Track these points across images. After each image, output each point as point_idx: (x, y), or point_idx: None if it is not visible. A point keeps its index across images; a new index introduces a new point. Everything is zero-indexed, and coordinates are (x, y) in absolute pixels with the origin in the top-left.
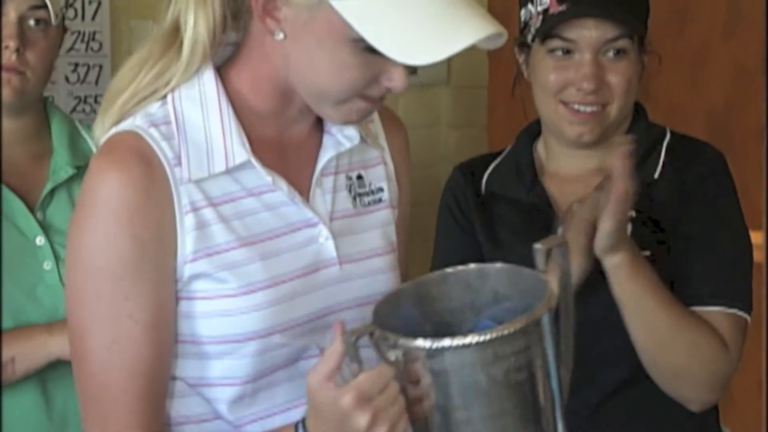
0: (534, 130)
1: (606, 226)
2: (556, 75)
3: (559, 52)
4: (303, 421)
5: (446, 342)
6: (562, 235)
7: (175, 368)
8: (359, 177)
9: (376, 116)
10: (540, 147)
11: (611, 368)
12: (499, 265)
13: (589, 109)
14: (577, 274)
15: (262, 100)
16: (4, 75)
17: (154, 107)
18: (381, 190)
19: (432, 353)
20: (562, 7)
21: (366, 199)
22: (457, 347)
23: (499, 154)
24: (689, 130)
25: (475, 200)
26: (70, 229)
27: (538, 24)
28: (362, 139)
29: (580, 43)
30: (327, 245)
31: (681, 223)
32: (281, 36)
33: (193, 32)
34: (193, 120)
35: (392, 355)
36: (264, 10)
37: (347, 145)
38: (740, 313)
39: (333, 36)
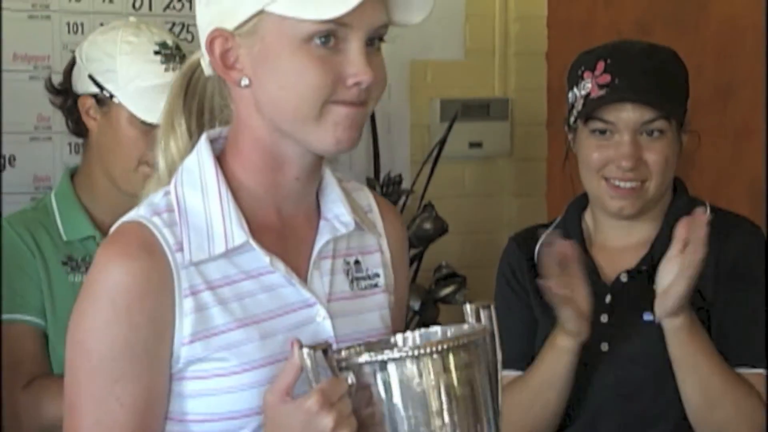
0: (582, 203)
1: (678, 290)
2: (599, 153)
3: (601, 133)
4: None
5: (389, 354)
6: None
7: None
8: (357, 262)
9: (374, 206)
10: (588, 218)
11: (653, 429)
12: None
13: (628, 185)
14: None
15: (254, 175)
16: None
17: (158, 197)
18: (377, 275)
19: (379, 366)
20: (602, 92)
21: (363, 283)
22: (401, 358)
23: (550, 224)
24: (732, 200)
25: (528, 269)
26: (74, 311)
27: (581, 107)
28: (359, 227)
29: (619, 125)
30: (324, 324)
31: (720, 292)
32: (246, 82)
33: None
34: (195, 206)
35: (346, 377)
36: (225, 66)
37: (342, 230)
38: None
39: (284, 40)
